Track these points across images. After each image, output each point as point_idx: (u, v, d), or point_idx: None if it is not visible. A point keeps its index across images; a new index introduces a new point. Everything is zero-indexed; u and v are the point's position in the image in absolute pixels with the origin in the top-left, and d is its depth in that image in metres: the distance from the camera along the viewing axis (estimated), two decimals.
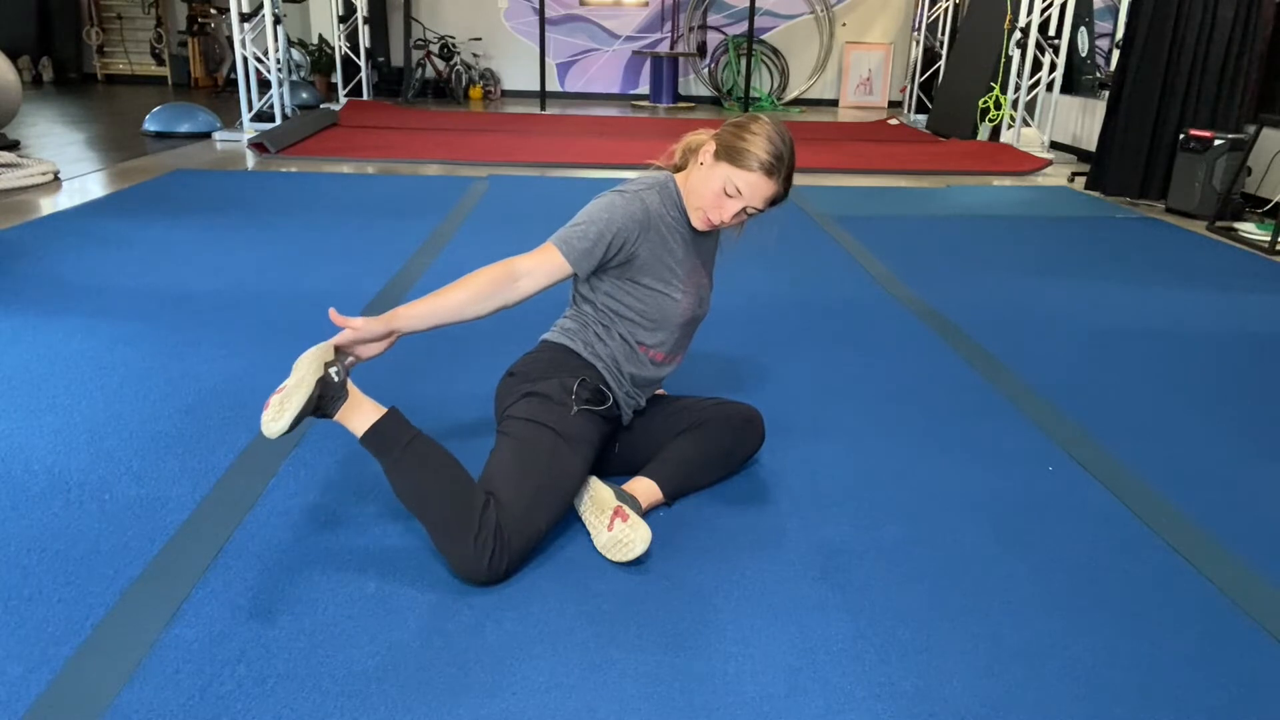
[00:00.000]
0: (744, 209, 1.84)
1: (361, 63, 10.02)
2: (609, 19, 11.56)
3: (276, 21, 7.18)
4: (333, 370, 1.70)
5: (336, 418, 1.71)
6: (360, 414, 1.72)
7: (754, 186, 1.81)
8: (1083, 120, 7.68)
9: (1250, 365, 2.98)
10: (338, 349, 1.75)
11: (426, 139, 7.40)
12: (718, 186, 1.82)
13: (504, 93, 11.64)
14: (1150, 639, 1.59)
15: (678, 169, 1.97)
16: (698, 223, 1.89)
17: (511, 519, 1.65)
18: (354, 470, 2.05)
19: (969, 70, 8.58)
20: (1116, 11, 10.19)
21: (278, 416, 1.60)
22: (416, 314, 1.77)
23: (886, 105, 11.87)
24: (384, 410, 1.73)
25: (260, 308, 3.15)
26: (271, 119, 7.26)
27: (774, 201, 1.87)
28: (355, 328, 1.74)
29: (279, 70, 7.18)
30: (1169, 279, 4.00)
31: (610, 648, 1.52)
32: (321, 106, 8.92)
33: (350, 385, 1.73)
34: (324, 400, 1.68)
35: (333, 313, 1.74)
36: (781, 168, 1.82)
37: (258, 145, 6.44)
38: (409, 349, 2.73)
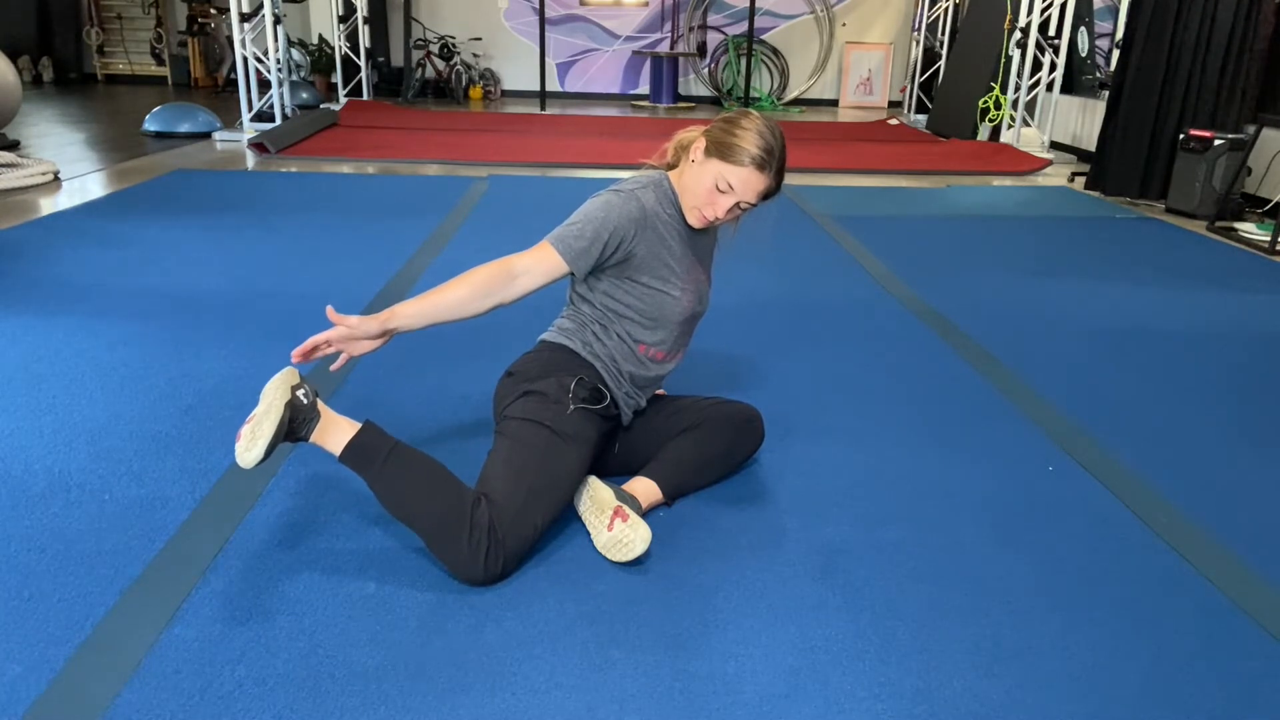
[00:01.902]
0: (737, 204, 1.84)
1: (361, 63, 10.02)
2: (609, 19, 11.56)
3: (276, 21, 7.18)
4: (300, 393, 1.69)
5: (312, 439, 1.70)
6: (336, 432, 1.71)
7: (746, 181, 1.81)
8: (1083, 120, 7.68)
9: (1250, 365, 2.98)
10: (330, 343, 1.75)
11: (426, 139, 7.40)
12: (710, 183, 1.82)
13: (504, 93, 11.64)
14: (1150, 639, 1.59)
15: (670, 167, 1.98)
16: (693, 220, 1.90)
17: (505, 518, 1.65)
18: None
19: (969, 70, 8.58)
20: (1116, 11, 10.19)
21: (250, 445, 1.58)
22: (413, 312, 1.77)
23: (886, 105, 11.87)
24: (359, 425, 1.73)
25: (260, 308, 3.15)
26: (271, 119, 7.25)
27: (767, 195, 1.87)
28: (350, 325, 1.73)
29: (279, 70, 7.18)
30: (1169, 279, 4.00)
31: (610, 648, 1.52)
32: (321, 106, 8.92)
33: (321, 405, 1.72)
34: (295, 424, 1.67)
35: (330, 310, 1.74)
36: (772, 161, 1.82)
37: (258, 145, 6.44)
38: (407, 351, 2.73)
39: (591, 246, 1.82)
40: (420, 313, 1.77)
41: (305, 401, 1.69)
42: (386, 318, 1.75)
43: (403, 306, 1.77)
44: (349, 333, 1.74)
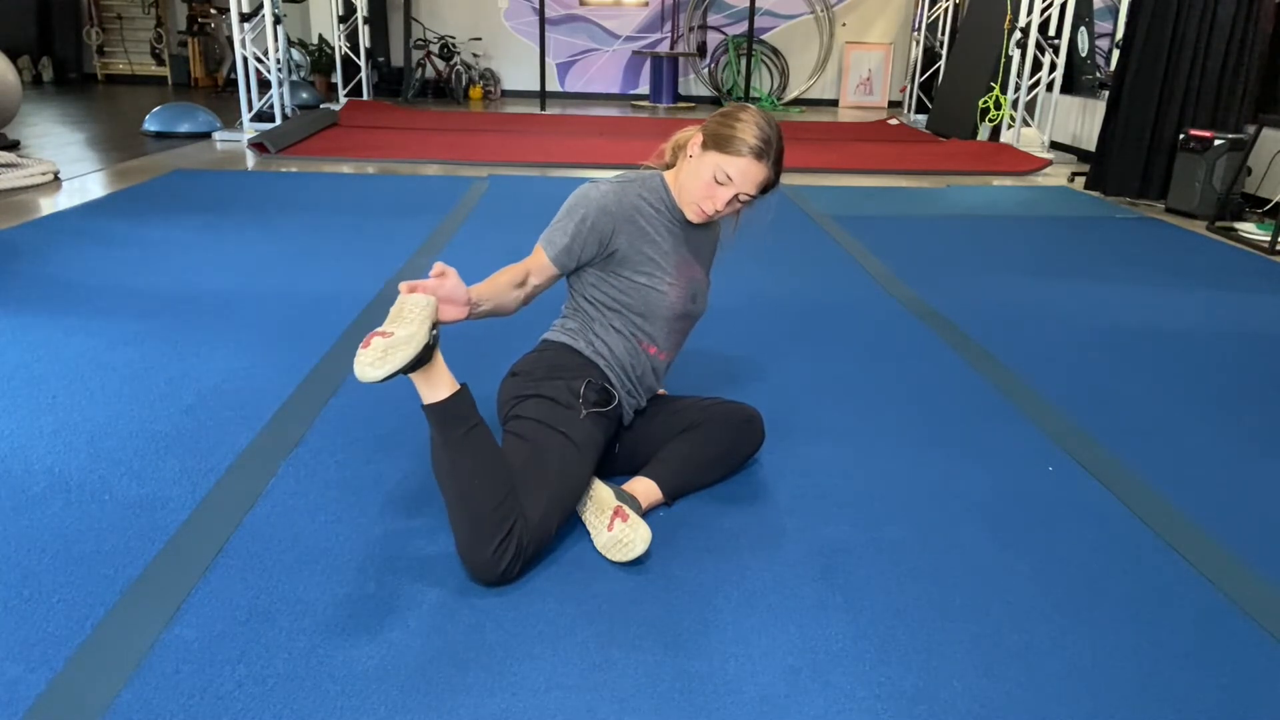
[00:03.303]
0: (736, 196, 1.85)
1: (361, 63, 10.02)
2: (609, 19, 11.56)
3: (276, 21, 7.18)
4: (434, 332, 1.64)
5: (413, 376, 1.65)
6: (437, 382, 1.67)
7: (744, 172, 1.81)
8: (1083, 120, 7.68)
9: (1250, 365, 2.98)
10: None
11: (426, 139, 7.40)
12: (708, 175, 1.83)
13: (504, 93, 11.64)
14: (1150, 639, 1.59)
15: (668, 167, 1.99)
16: (692, 215, 1.90)
17: (529, 527, 1.66)
18: (354, 470, 2.05)
19: (969, 70, 8.58)
20: (1116, 11, 10.19)
21: (378, 363, 1.53)
22: (484, 291, 1.78)
23: (886, 105, 11.87)
24: (457, 386, 1.70)
25: (260, 308, 3.15)
26: (271, 119, 7.25)
27: (765, 188, 1.88)
28: (449, 273, 1.69)
29: (279, 70, 7.18)
30: (1169, 279, 4.00)
31: (610, 648, 1.52)
32: (321, 106, 8.92)
33: (438, 350, 1.69)
34: (419, 360, 1.61)
35: (434, 267, 1.70)
36: (770, 151, 1.82)
37: (258, 145, 6.44)
38: None
39: (572, 242, 1.85)
40: (484, 292, 1.78)
41: (433, 343, 1.64)
42: (468, 290, 1.73)
43: (475, 286, 1.77)
44: (441, 283, 1.68)
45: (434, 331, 1.65)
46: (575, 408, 1.83)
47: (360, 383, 1.56)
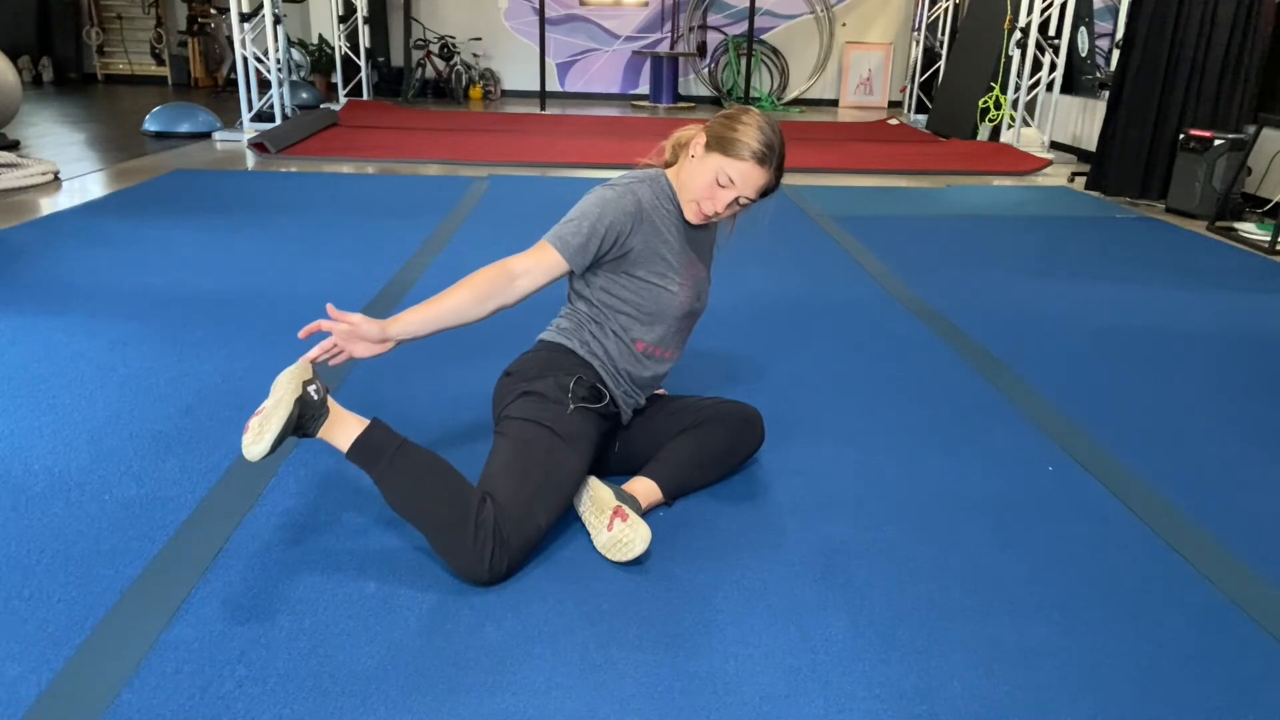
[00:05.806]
0: (737, 199, 1.85)
1: (361, 63, 10.02)
2: (609, 19, 11.56)
3: (276, 21, 7.18)
4: (311, 389, 1.67)
5: (319, 435, 1.69)
6: (343, 429, 1.70)
7: (746, 175, 1.82)
8: (1083, 120, 7.68)
9: (1250, 365, 2.98)
10: (335, 340, 1.73)
11: (426, 139, 7.40)
12: (710, 177, 1.83)
13: (504, 93, 11.64)
14: (1150, 639, 1.59)
15: (668, 165, 1.99)
16: (691, 215, 1.90)
17: (510, 519, 1.65)
18: (354, 470, 2.05)
19: (969, 70, 8.58)
20: (1116, 11, 10.19)
21: (257, 439, 1.57)
22: (415, 319, 1.75)
23: (886, 105, 11.87)
24: (367, 423, 1.72)
25: (260, 308, 3.15)
26: (271, 119, 7.25)
27: (766, 192, 1.88)
28: (352, 322, 1.72)
29: (279, 70, 7.18)
30: (1169, 279, 4.00)
31: (610, 648, 1.52)
32: (321, 106, 8.92)
33: (330, 401, 1.71)
34: (304, 419, 1.65)
35: (330, 308, 1.73)
36: (773, 157, 1.83)
37: (258, 145, 6.44)
38: (406, 350, 2.73)
39: (589, 242, 1.83)
40: (422, 320, 1.76)
41: (315, 398, 1.67)
42: (386, 324, 1.74)
43: (404, 315, 1.76)
44: (350, 330, 1.73)
45: (310, 388, 1.67)
46: (563, 402, 1.83)
47: (252, 462, 1.62)
